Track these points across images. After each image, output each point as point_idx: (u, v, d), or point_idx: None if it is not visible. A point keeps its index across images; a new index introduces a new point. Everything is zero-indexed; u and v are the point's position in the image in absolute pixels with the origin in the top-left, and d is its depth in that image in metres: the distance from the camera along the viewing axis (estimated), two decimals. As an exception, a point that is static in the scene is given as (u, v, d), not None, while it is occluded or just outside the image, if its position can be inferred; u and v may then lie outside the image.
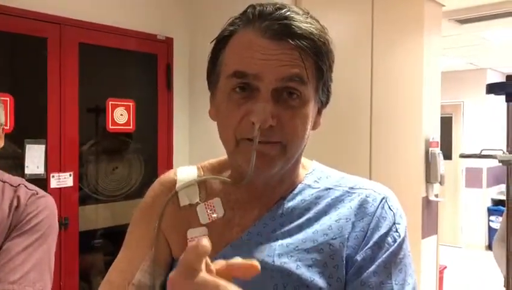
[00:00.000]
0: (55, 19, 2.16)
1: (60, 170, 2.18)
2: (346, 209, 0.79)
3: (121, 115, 2.43)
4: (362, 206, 0.79)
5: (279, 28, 0.71)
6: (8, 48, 2.11)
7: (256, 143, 0.70)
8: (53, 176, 2.15)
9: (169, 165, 2.58)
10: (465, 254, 6.77)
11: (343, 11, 2.66)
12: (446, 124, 7.02)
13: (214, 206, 0.83)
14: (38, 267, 1.27)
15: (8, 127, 1.99)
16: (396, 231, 0.78)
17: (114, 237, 2.48)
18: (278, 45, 0.71)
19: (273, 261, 0.75)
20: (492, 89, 1.92)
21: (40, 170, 2.11)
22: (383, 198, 0.80)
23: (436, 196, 3.70)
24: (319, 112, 0.82)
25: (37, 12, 2.09)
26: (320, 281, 0.74)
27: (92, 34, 2.29)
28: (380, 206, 0.79)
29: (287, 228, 0.79)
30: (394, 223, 0.78)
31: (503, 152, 1.86)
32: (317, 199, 0.82)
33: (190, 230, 0.82)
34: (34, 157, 2.09)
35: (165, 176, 0.91)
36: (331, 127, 2.57)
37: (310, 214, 0.80)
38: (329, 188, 0.83)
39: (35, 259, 1.27)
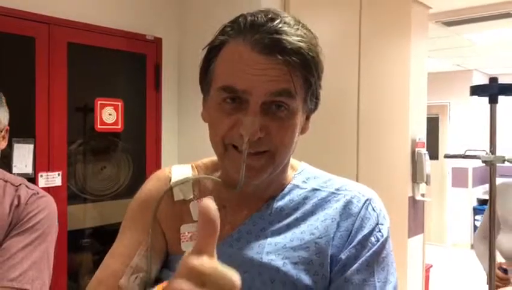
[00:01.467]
0: (43, 19, 2.15)
1: (49, 170, 2.18)
2: (332, 210, 0.83)
3: (109, 115, 2.43)
4: (347, 207, 0.83)
5: (270, 42, 0.72)
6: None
7: (245, 156, 0.74)
8: (41, 176, 2.15)
9: (157, 165, 2.59)
10: (451, 252, 6.86)
11: (331, 14, 2.69)
12: (433, 124, 7.10)
13: None
14: (37, 265, 1.30)
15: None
16: (380, 231, 0.81)
17: (102, 237, 2.49)
18: (267, 60, 0.73)
19: (261, 258, 0.78)
20: (475, 90, 1.96)
21: (28, 169, 2.11)
22: (367, 199, 0.84)
23: (423, 195, 3.74)
24: (308, 118, 0.85)
25: (25, 12, 2.08)
26: (305, 278, 0.77)
27: (81, 34, 2.29)
28: (364, 207, 0.83)
29: (275, 227, 0.82)
30: (377, 224, 0.82)
31: (486, 153, 1.90)
32: (304, 199, 0.85)
33: (183, 225, 0.85)
34: (22, 157, 2.09)
35: (161, 172, 0.94)
36: (317, 128, 2.58)
37: (298, 214, 0.83)
38: (317, 189, 0.86)
39: (34, 257, 1.30)
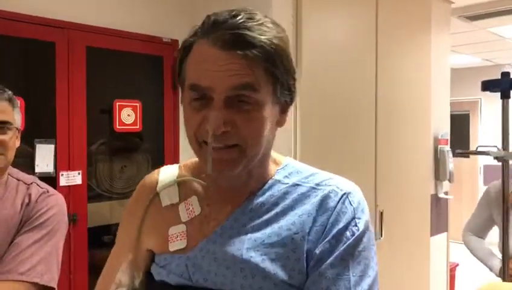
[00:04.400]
0: (62, 24, 2.25)
1: (69, 169, 2.28)
2: (309, 205, 0.83)
3: (128, 116, 2.52)
4: (324, 201, 0.83)
5: (230, 37, 0.75)
6: (19, 52, 2.22)
7: (210, 149, 0.77)
8: (62, 174, 2.25)
9: (175, 163, 2.66)
10: (484, 252, 6.68)
11: (347, 11, 2.69)
12: (463, 121, 6.96)
13: (191, 204, 0.89)
14: (46, 260, 1.36)
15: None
16: (356, 225, 0.81)
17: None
18: (228, 55, 0.75)
19: (242, 255, 0.80)
20: (487, 85, 1.93)
21: (50, 169, 2.21)
22: (344, 193, 0.83)
23: (446, 193, 3.69)
24: (284, 111, 0.85)
25: (46, 18, 2.19)
26: (282, 274, 0.79)
27: (99, 38, 2.38)
28: (340, 201, 0.82)
29: (256, 223, 0.84)
30: (354, 218, 0.81)
31: (498, 149, 1.87)
32: (285, 194, 0.86)
33: (171, 228, 0.88)
34: (44, 157, 2.19)
35: (149, 177, 0.98)
36: (335, 126, 2.60)
37: (278, 209, 0.84)
38: (297, 184, 0.86)
39: (43, 253, 1.35)
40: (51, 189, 1.49)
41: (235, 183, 0.86)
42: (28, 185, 1.46)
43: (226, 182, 0.86)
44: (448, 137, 3.68)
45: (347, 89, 2.68)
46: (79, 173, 2.32)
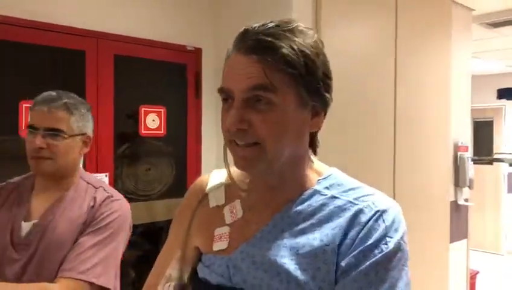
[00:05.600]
0: (92, 34, 2.37)
1: (97, 171, 2.39)
2: (343, 219, 0.84)
3: (152, 121, 2.62)
4: (357, 216, 0.83)
5: (251, 44, 0.81)
6: (50, 60, 2.34)
7: (225, 145, 0.85)
8: (90, 176, 2.36)
9: (197, 167, 2.75)
10: (507, 260, 6.60)
11: (366, 18, 2.74)
12: (487, 127, 6.88)
13: (235, 207, 0.94)
14: (105, 262, 1.43)
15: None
16: (386, 244, 0.80)
17: (148, 234, 2.67)
18: (246, 59, 0.81)
19: (277, 260, 0.84)
20: (503, 94, 1.96)
21: (79, 171, 2.32)
22: (378, 211, 0.83)
23: (466, 200, 3.69)
24: (317, 115, 0.88)
25: (76, 28, 2.31)
26: (312, 284, 0.81)
27: (126, 47, 2.49)
28: (373, 218, 0.82)
29: (292, 230, 0.86)
30: (385, 236, 0.81)
31: (513, 155, 1.89)
32: (322, 205, 0.87)
33: (217, 229, 0.93)
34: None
35: (201, 178, 1.05)
36: (354, 132, 2.65)
37: (314, 220, 0.86)
38: (335, 197, 0.87)
39: (103, 255, 1.43)
40: (116, 194, 1.57)
41: (270, 186, 0.90)
42: (96, 188, 1.55)
43: (259, 182, 0.91)
44: (469, 144, 3.69)
45: (366, 95, 2.72)
46: (106, 175, 2.42)
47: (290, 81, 0.81)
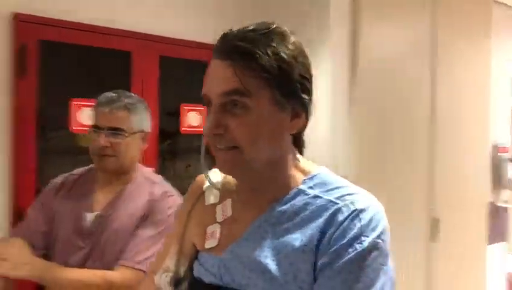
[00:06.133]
0: (139, 35, 2.49)
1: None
2: (322, 218, 0.84)
3: (193, 118, 2.72)
4: (335, 215, 0.83)
5: (226, 49, 0.83)
6: (98, 61, 2.47)
7: (203, 150, 0.90)
8: (135, 171, 2.48)
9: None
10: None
11: (404, 18, 2.76)
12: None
13: (226, 206, 0.96)
14: None
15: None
16: (361, 243, 0.79)
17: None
18: (221, 64, 0.83)
19: (261, 261, 0.85)
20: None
21: (125, 165, 2.44)
22: (355, 210, 0.82)
23: (506, 202, 3.63)
24: (297, 116, 0.87)
25: (123, 30, 2.43)
26: (293, 285, 0.82)
27: (171, 48, 2.61)
28: (349, 217, 0.82)
29: (276, 230, 0.87)
30: (361, 235, 0.80)
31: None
32: (305, 205, 0.87)
33: (209, 227, 0.96)
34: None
35: (201, 176, 1.07)
36: (391, 133, 2.67)
37: (297, 219, 0.86)
38: (318, 197, 0.87)
39: (156, 248, 1.50)
40: (171, 190, 1.65)
41: (255, 188, 0.91)
42: (153, 183, 1.64)
43: (243, 184, 0.93)
44: (510, 145, 3.63)
45: (403, 97, 2.74)
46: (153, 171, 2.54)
47: (264, 85, 0.82)
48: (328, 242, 0.81)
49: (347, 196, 0.85)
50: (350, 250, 0.79)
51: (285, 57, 0.83)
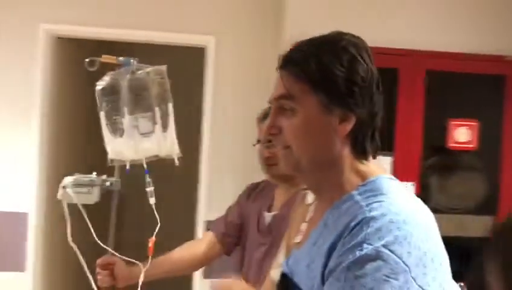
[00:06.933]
0: (405, 52, 2.56)
1: (402, 179, 2.54)
2: (344, 224, 0.84)
3: (462, 134, 2.60)
4: (352, 221, 0.82)
5: (282, 58, 0.92)
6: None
7: (262, 148, 1.09)
8: (397, 184, 2.54)
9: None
10: None
11: None
12: None
13: (313, 207, 1.02)
14: None
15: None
16: (361, 250, 0.77)
17: (454, 248, 2.65)
18: (279, 73, 0.93)
19: (304, 268, 0.92)
20: None
21: (387, 178, 2.53)
22: (366, 217, 0.80)
23: None
24: (346, 120, 0.88)
25: (390, 48, 2.54)
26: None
27: (439, 62, 2.58)
28: (359, 224, 0.80)
29: (323, 234, 0.90)
30: (363, 242, 0.78)
31: None
32: (347, 210, 0.86)
33: (303, 224, 1.02)
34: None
35: None
36: None
37: (340, 226, 0.86)
38: (358, 203, 0.85)
39: None
40: None
41: (312, 189, 0.99)
42: None
43: (307, 187, 1.01)
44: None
45: None
46: (413, 185, 2.56)
47: (309, 90, 0.88)
48: (340, 247, 0.81)
49: (375, 203, 0.82)
50: (350, 256, 0.78)
51: (328, 63, 0.87)
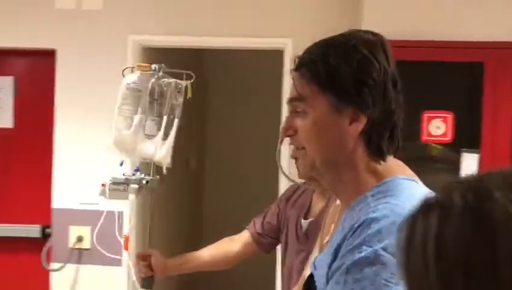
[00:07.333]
0: (492, 45, 2.47)
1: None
2: (350, 224, 0.85)
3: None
4: (356, 222, 0.82)
5: (295, 61, 0.94)
6: (448, 74, 2.56)
7: (279, 148, 1.16)
8: None
9: None
10: None
11: None
12: None
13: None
14: None
15: (449, 138, 2.49)
16: (360, 252, 0.77)
17: None
18: (292, 75, 0.94)
19: (322, 272, 0.90)
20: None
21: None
22: (368, 219, 0.80)
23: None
24: (356, 120, 0.87)
25: (474, 42, 2.46)
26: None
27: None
28: (362, 225, 0.80)
29: (338, 236, 0.89)
30: (363, 244, 0.78)
31: None
32: (359, 211, 0.85)
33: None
34: (468, 165, 2.45)
35: None
36: None
37: (346, 227, 0.86)
38: (368, 204, 0.84)
39: None
40: None
41: (330, 189, 1.02)
42: None
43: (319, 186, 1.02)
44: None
45: None
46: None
47: (318, 91, 0.88)
48: (344, 248, 0.82)
49: (381, 205, 0.82)
50: (350, 258, 0.78)
51: (335, 64, 0.87)
